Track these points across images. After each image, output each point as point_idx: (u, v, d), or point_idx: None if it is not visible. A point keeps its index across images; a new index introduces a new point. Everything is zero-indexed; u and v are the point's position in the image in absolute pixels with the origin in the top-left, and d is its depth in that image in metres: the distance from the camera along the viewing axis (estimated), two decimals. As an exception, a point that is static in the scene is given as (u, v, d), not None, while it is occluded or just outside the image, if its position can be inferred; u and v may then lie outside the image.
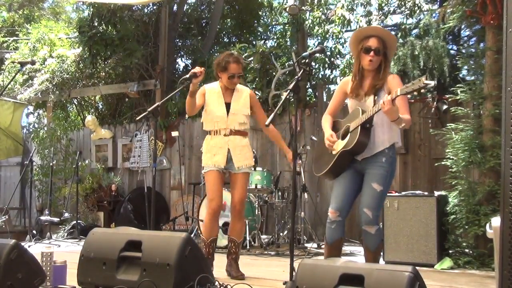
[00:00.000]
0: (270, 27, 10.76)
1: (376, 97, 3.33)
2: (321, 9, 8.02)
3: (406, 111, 3.28)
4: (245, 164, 4.09)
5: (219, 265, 4.16)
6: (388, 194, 5.32)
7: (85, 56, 9.42)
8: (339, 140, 3.49)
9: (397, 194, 5.44)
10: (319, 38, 8.13)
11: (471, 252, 4.98)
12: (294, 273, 2.82)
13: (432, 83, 2.91)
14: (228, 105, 4.11)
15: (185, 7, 10.39)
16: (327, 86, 8.11)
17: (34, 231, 7.55)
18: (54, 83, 9.36)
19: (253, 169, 4.16)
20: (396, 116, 3.13)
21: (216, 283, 3.22)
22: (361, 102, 3.44)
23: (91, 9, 9.28)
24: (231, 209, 4.16)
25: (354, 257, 5.56)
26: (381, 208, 3.42)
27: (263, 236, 6.73)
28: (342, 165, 3.46)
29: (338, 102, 3.68)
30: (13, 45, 11.13)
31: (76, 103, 11.17)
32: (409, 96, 3.19)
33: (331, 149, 3.47)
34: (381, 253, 3.59)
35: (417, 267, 2.40)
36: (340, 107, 3.70)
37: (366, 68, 3.43)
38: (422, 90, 2.95)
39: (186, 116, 8.78)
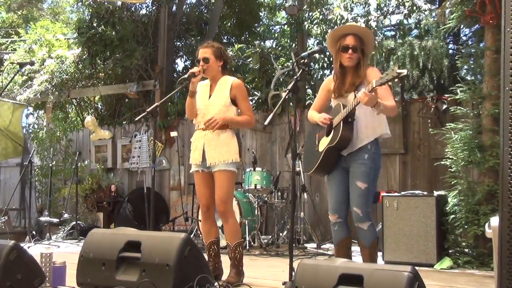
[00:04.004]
0: (270, 27, 10.77)
1: (356, 93, 3.35)
2: (319, 9, 8.03)
3: (389, 98, 3.33)
4: (218, 160, 3.78)
5: (224, 267, 4.06)
6: (387, 194, 5.35)
7: (84, 56, 9.42)
8: (323, 137, 3.54)
9: (396, 194, 5.43)
10: (318, 38, 8.14)
11: (470, 251, 4.98)
12: (293, 273, 2.82)
13: (405, 71, 2.94)
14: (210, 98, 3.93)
15: (184, 7, 10.39)
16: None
17: (34, 232, 7.54)
18: (53, 84, 9.35)
19: (232, 164, 3.81)
20: (374, 102, 3.16)
21: (216, 283, 3.21)
22: (343, 99, 3.49)
23: (90, 10, 9.28)
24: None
25: (354, 257, 5.55)
26: (370, 203, 3.44)
27: (263, 236, 6.73)
28: (330, 161, 3.51)
29: (322, 100, 3.73)
30: (11, 46, 11.11)
31: (75, 104, 11.17)
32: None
33: (326, 125, 3.49)
34: (377, 251, 3.60)
35: (416, 267, 2.40)
36: (324, 105, 3.73)
37: (347, 65, 3.48)
38: (396, 80, 2.98)
39: (186, 116, 8.79)
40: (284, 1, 9.13)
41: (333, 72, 3.68)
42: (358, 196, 3.39)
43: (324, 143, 3.51)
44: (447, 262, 4.81)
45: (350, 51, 3.42)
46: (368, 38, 3.51)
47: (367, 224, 3.41)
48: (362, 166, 3.40)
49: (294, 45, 8.61)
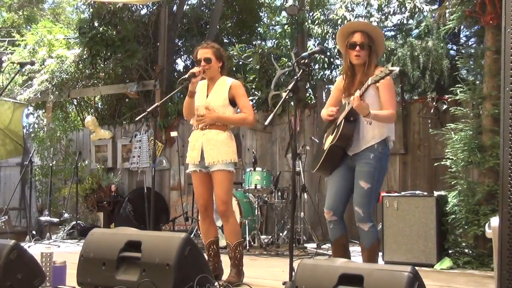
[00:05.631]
0: (270, 28, 10.77)
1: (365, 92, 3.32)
2: (320, 9, 8.04)
3: (389, 105, 3.32)
4: (217, 160, 3.78)
5: (224, 266, 4.07)
6: (387, 194, 5.35)
7: (84, 56, 9.43)
8: (330, 135, 3.54)
9: (396, 194, 5.43)
10: (318, 38, 8.14)
11: (470, 252, 4.98)
12: (293, 273, 2.82)
13: (397, 69, 2.99)
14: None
15: (184, 8, 10.39)
16: (326, 86, 8.12)
17: (34, 232, 7.54)
18: (53, 84, 9.35)
19: (230, 164, 3.82)
20: (366, 112, 3.16)
21: (216, 283, 3.21)
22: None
23: (91, 10, 9.28)
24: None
25: (353, 257, 5.55)
26: (372, 205, 3.42)
27: (263, 236, 6.73)
28: (333, 160, 3.49)
29: (335, 99, 3.70)
30: (11, 48, 11.10)
31: (75, 104, 11.18)
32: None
33: (330, 118, 3.52)
34: (377, 254, 3.57)
35: (416, 267, 2.41)
36: (337, 104, 3.69)
37: (355, 63, 3.45)
38: (389, 77, 3.02)
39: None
40: (285, 1, 9.12)
41: (342, 70, 3.66)
42: (361, 196, 3.37)
43: (328, 141, 3.52)
44: (447, 262, 4.81)
45: (357, 48, 3.38)
46: (378, 35, 3.46)
47: (368, 225, 3.39)
48: (367, 165, 3.36)
49: (294, 45, 8.60)
